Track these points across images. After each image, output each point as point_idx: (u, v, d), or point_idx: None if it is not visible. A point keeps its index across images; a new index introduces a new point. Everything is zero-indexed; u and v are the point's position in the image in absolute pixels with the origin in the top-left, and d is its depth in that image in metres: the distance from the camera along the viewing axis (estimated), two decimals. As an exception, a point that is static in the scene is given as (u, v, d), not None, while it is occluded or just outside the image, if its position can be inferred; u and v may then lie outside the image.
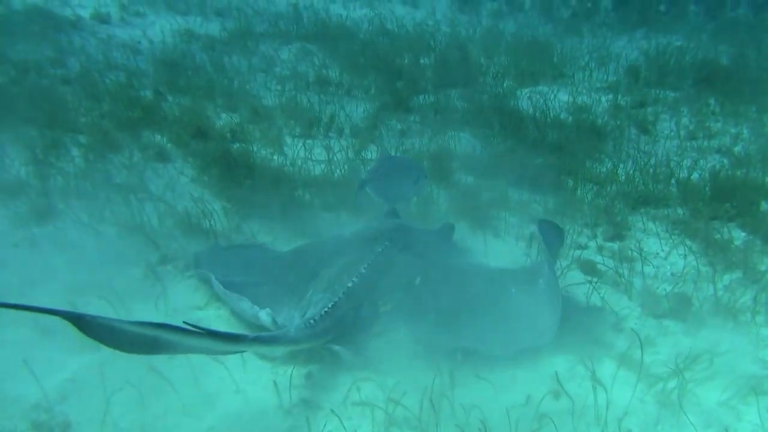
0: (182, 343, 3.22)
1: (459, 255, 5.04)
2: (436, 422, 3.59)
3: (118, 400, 3.64)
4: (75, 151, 6.55)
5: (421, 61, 10.55)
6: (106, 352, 3.98)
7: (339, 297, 4.09)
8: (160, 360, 3.85)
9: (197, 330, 3.20)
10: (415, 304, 4.23)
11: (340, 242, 4.76)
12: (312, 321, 3.94)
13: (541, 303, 4.33)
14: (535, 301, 4.39)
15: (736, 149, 7.74)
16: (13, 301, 2.95)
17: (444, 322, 4.18)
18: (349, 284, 4.18)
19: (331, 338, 4.01)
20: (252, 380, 3.96)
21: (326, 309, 4.02)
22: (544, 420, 3.65)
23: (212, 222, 5.52)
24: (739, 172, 6.90)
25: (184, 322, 3.18)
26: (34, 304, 4.08)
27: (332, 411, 3.69)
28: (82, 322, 2.95)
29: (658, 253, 5.69)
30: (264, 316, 4.17)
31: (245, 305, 4.28)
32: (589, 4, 15.34)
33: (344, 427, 3.60)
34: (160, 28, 11.44)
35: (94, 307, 4.37)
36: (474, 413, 3.64)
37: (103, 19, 11.51)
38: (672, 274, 5.37)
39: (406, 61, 10.39)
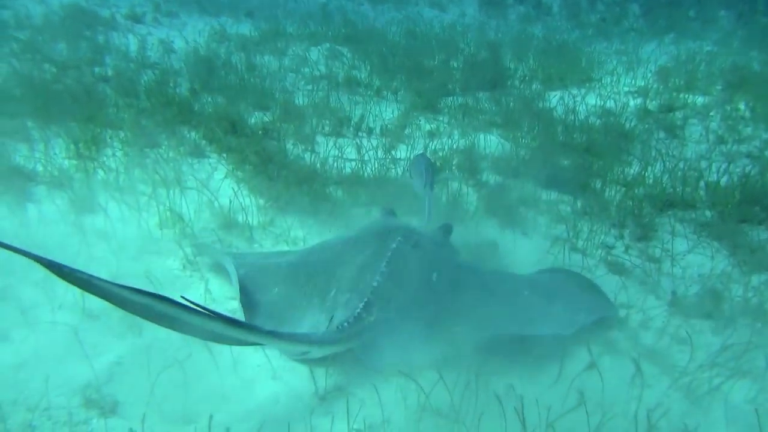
0: (182, 320, 3.10)
1: (457, 254, 5.05)
2: (474, 401, 3.68)
3: (162, 383, 3.76)
4: (115, 146, 6.75)
5: (451, 63, 10.64)
6: (150, 336, 4.18)
7: (368, 297, 4.09)
8: (202, 346, 4.02)
9: (203, 311, 3.08)
10: (434, 300, 4.29)
11: (349, 241, 4.73)
12: (346, 324, 3.95)
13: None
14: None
15: (767, 153, 7.75)
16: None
17: (467, 314, 4.25)
18: (374, 284, 4.17)
19: (362, 342, 4.01)
20: (289, 367, 4.06)
21: (359, 310, 4.02)
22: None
23: (247, 216, 5.66)
24: (768, 176, 6.93)
25: (182, 297, 3.09)
26: (84, 294, 4.35)
27: (374, 386, 3.77)
28: (60, 272, 2.93)
29: (685, 255, 5.75)
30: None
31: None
32: (618, 9, 15.37)
33: (382, 411, 3.70)
34: (192, 28, 11.67)
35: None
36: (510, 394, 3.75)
37: (137, 18, 11.76)
38: (699, 275, 5.42)
39: (434, 63, 10.50)
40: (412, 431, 3.61)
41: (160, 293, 3.04)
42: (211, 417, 3.37)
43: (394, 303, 4.17)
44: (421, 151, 7.07)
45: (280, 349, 4.11)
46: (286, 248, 5.41)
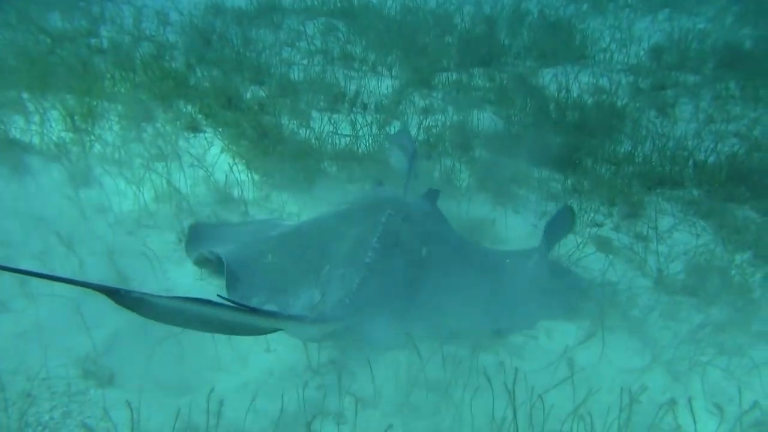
0: (219, 318, 3.24)
1: (446, 222, 5.12)
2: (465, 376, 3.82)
3: (158, 355, 3.87)
4: (112, 119, 6.79)
5: (446, 39, 10.64)
6: (147, 310, 4.28)
7: (363, 273, 4.19)
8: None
9: (234, 305, 3.23)
10: (423, 275, 4.41)
11: (340, 215, 4.81)
12: (347, 300, 4.06)
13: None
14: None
15: (755, 133, 7.84)
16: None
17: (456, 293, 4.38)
18: (367, 260, 4.27)
19: (361, 317, 4.11)
20: (283, 340, 4.16)
21: (356, 286, 4.12)
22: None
23: (243, 191, 5.74)
24: (756, 156, 7.03)
25: (218, 296, 3.24)
26: (82, 267, 4.46)
27: (366, 360, 3.86)
28: (117, 296, 3.04)
29: (672, 233, 5.86)
30: None
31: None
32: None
33: (373, 385, 3.81)
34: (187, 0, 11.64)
35: (134, 265, 4.66)
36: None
37: (132, -11, 11.70)
38: (685, 253, 5.54)
39: (429, 39, 10.50)
40: (402, 404, 3.73)
41: (208, 298, 3.15)
42: (211, 390, 3.46)
43: (388, 278, 4.27)
44: (402, 128, 7.13)
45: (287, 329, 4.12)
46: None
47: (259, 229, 5.02)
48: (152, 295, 3.09)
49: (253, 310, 3.44)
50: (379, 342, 4.09)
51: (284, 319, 3.70)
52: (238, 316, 3.31)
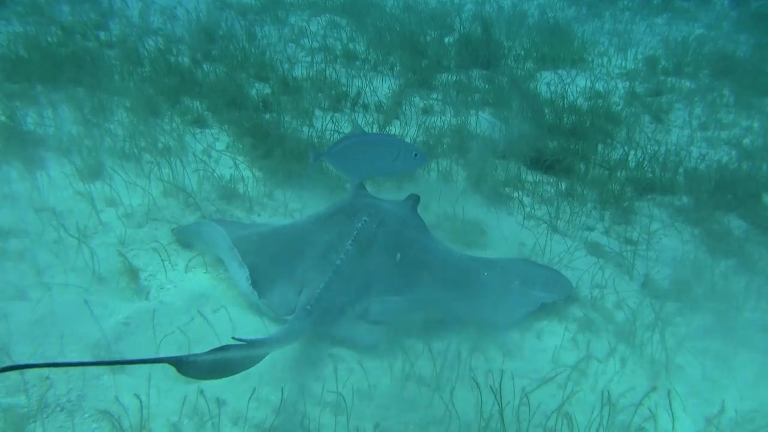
0: (242, 356, 3.59)
1: (424, 229, 5.21)
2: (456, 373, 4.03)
3: (166, 344, 4.08)
4: (122, 113, 6.98)
5: (445, 39, 10.83)
6: (155, 300, 4.50)
7: (330, 276, 4.35)
8: (204, 310, 4.36)
9: (242, 342, 3.58)
10: (399, 279, 4.57)
11: (319, 219, 4.94)
12: (309, 307, 4.19)
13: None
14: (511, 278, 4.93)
15: (745, 141, 8.06)
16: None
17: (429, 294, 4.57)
18: (338, 262, 4.44)
19: (331, 320, 4.28)
20: (285, 333, 4.37)
21: (319, 290, 4.28)
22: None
23: (247, 187, 5.93)
24: (745, 165, 7.24)
25: (233, 338, 3.60)
26: (94, 258, 4.64)
27: (360, 364, 4.10)
28: (180, 365, 3.32)
29: (661, 238, 6.07)
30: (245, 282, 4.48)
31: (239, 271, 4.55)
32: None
33: (367, 378, 4.03)
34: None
35: (144, 257, 4.89)
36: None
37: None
38: (672, 259, 5.75)
39: (429, 39, 10.69)
40: (395, 398, 3.95)
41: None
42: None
43: (356, 282, 4.44)
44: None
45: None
46: (282, 220, 5.68)
47: (246, 229, 5.15)
48: (196, 355, 3.38)
49: (251, 343, 3.66)
50: (361, 341, 4.30)
51: (272, 342, 3.90)
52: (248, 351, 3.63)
